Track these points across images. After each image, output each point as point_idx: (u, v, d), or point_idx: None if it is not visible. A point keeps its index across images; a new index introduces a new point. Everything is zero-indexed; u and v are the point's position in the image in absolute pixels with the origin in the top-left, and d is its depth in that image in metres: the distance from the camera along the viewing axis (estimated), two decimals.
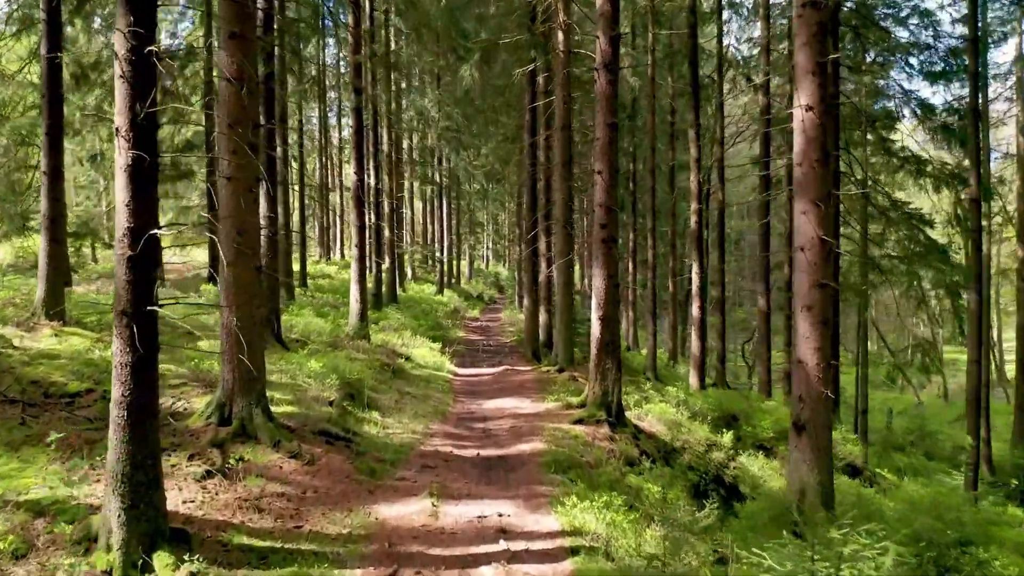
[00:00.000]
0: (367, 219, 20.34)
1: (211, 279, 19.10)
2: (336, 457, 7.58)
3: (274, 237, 13.37)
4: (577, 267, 33.19)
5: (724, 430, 12.70)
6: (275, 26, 13.58)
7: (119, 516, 4.87)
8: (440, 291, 32.64)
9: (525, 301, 20.24)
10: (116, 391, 4.89)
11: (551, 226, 18.21)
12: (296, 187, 28.32)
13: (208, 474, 6.38)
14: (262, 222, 12.61)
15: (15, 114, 17.75)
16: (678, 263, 23.94)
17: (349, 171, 24.38)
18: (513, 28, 17.60)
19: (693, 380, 17.62)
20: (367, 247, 19.47)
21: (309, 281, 25.48)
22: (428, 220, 43.43)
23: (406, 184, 34.76)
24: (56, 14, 11.59)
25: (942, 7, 20.08)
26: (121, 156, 4.86)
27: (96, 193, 23.98)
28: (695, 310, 17.96)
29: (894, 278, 16.63)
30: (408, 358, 15.83)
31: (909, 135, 17.49)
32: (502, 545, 5.73)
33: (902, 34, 17.20)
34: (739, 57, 24.45)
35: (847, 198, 17.65)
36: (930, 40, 16.37)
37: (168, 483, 6.00)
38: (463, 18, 21.11)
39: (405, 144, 34.10)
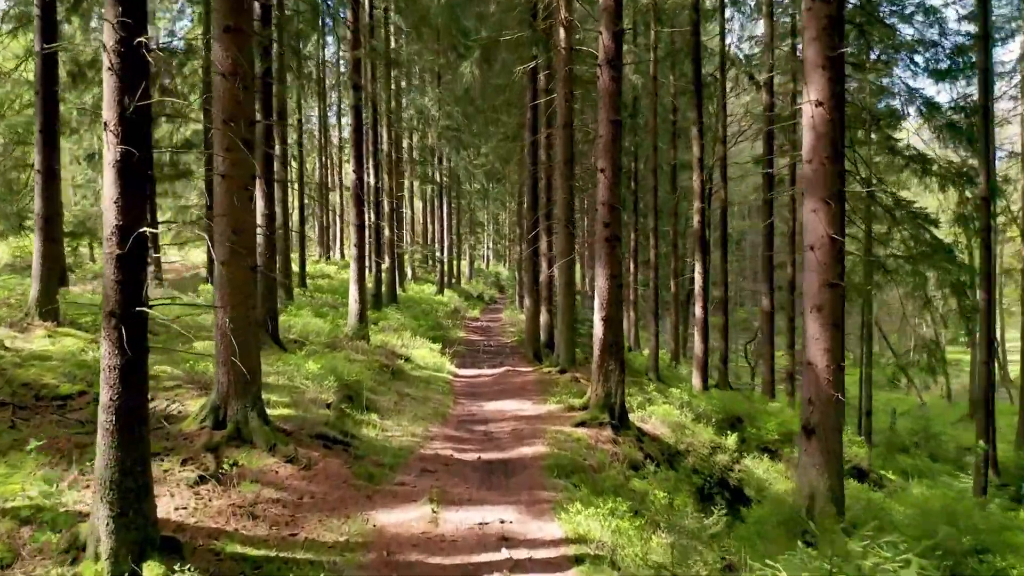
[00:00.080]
0: (367, 218, 20.17)
1: (209, 279, 18.94)
2: (334, 461, 7.40)
3: (272, 236, 13.20)
4: (578, 267, 33.00)
5: (728, 432, 12.52)
6: (273, 21, 13.38)
7: (107, 524, 4.70)
8: (440, 291, 32.46)
9: (526, 301, 20.07)
10: (104, 395, 4.72)
11: (552, 225, 18.03)
12: (296, 186, 28.15)
13: (201, 479, 6.20)
14: (259, 221, 12.45)
15: (11, 112, 17.60)
16: (680, 263, 23.76)
17: (349, 170, 24.19)
18: (514, 25, 17.43)
19: (696, 381, 17.45)
20: (366, 247, 19.30)
21: (308, 281, 25.31)
22: (428, 220, 43.26)
23: (406, 183, 34.59)
24: (51, 10, 11.41)
25: (947, 4, 19.87)
26: (110, 151, 4.69)
27: (93, 192, 23.79)
28: (698, 310, 17.78)
29: (899, 278, 16.42)
30: (408, 359, 15.65)
31: (915, 133, 17.28)
32: (504, 554, 5.55)
33: (907, 31, 16.98)
34: (741, 55, 24.29)
35: (851, 197, 17.45)
36: (936, 37, 16.16)
37: (160, 489, 5.83)
38: (463, 16, 20.95)
39: (405, 143, 33.92)
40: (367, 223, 20.37)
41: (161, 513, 5.43)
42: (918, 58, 16.79)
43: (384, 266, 25.60)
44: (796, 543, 6.31)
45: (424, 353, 16.93)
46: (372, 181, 23.30)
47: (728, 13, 22.31)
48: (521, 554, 5.58)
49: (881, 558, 3.49)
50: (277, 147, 17.69)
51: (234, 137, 7.03)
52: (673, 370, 22.16)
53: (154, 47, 18.90)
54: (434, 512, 6.41)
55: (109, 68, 4.65)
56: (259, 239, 12.03)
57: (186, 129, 22.77)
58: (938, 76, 16.15)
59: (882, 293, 21.74)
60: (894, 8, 16.63)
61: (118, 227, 4.63)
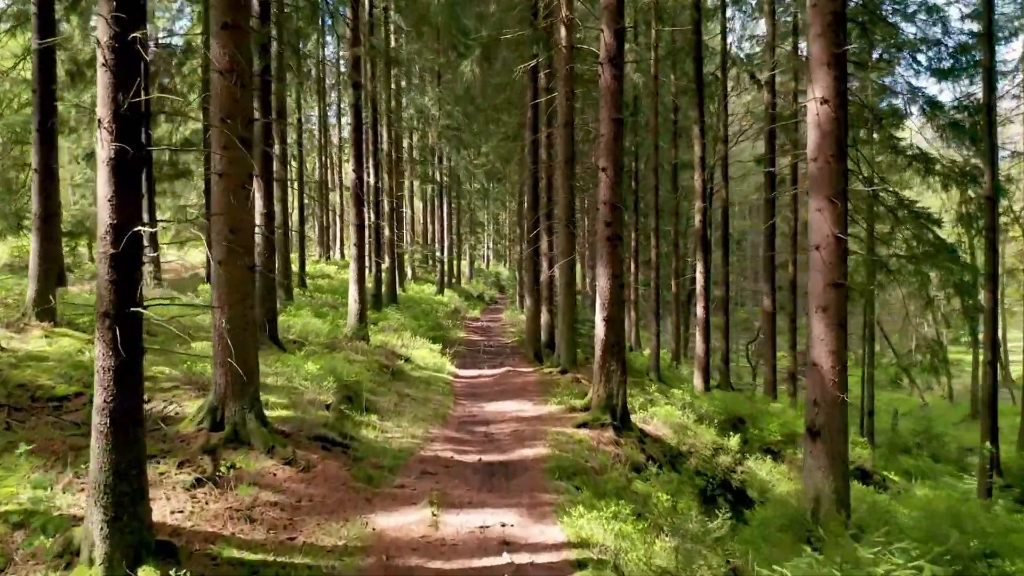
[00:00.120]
0: (366, 218, 20.08)
1: (209, 279, 18.84)
2: (332, 463, 7.31)
3: (271, 236, 13.10)
4: (578, 267, 32.92)
5: (731, 433, 12.42)
6: (271, 18, 13.28)
7: (102, 529, 4.61)
8: (440, 291, 32.37)
9: (526, 301, 19.98)
10: (98, 397, 4.63)
11: (553, 225, 17.94)
12: (295, 185, 28.06)
13: (198, 482, 6.11)
14: (258, 220, 12.37)
15: (9, 111, 17.51)
16: (681, 263, 23.67)
17: (349, 170, 24.11)
18: (514, 24, 17.35)
19: (697, 381, 17.36)
20: (366, 246, 19.21)
21: (308, 281, 25.22)
22: (428, 219, 43.17)
23: (406, 183, 34.50)
24: (48, 7, 11.32)
25: (950, 3, 19.81)
26: (103, 148, 4.60)
27: (92, 192, 23.66)
28: (699, 310, 17.68)
29: (902, 278, 16.34)
30: (408, 359, 15.55)
31: (918, 132, 17.20)
32: (505, 558, 5.47)
33: (910, 30, 16.90)
34: (742, 55, 24.20)
35: (853, 196, 17.37)
36: (938, 35, 16.09)
37: (156, 492, 5.74)
38: (463, 14, 20.87)
39: (405, 143, 33.83)
40: (367, 223, 20.28)
41: (157, 516, 5.34)
42: (921, 57, 16.74)
43: (384, 266, 25.51)
44: (801, 547, 6.23)
45: (424, 353, 16.84)
46: (372, 180, 23.21)
47: (729, 12, 22.23)
48: (523, 558, 5.49)
49: (893, 564, 3.40)
50: (276, 146, 17.59)
51: (231, 135, 6.94)
52: (674, 370, 22.07)
53: (152, 44, 18.83)
54: (434, 515, 6.32)
55: (103, 64, 4.57)
56: (258, 238, 11.95)
57: (185, 128, 22.69)
58: (941, 75, 16.08)
59: (884, 293, 21.64)
60: (896, 6, 16.55)
61: (112, 226, 4.54)
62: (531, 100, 17.93)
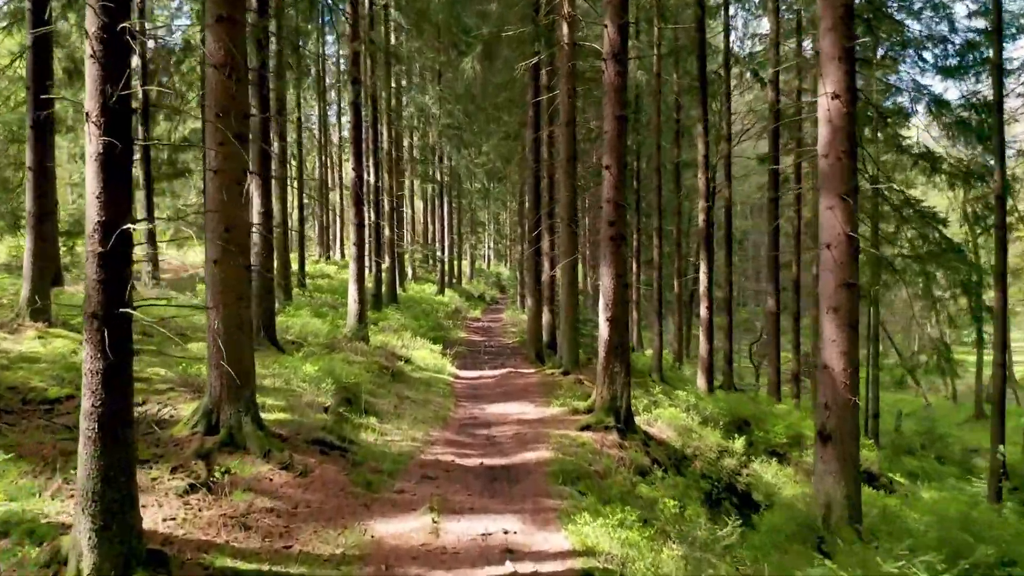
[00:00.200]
0: (366, 218, 19.91)
1: None
2: (330, 468, 7.13)
3: (269, 235, 12.91)
4: (580, 267, 32.75)
5: (735, 435, 12.25)
6: (269, 11, 13.09)
7: (89, 538, 4.44)
8: (441, 291, 32.19)
9: (528, 301, 19.80)
10: (86, 401, 4.46)
11: (554, 224, 17.77)
12: (295, 185, 27.88)
13: (191, 488, 5.93)
14: (256, 219, 12.19)
15: (5, 109, 17.34)
16: (683, 263, 23.48)
17: (349, 169, 23.94)
18: (516, 21, 17.17)
19: (701, 382, 17.19)
20: (366, 246, 19.04)
21: (308, 281, 25.03)
22: (429, 219, 42.99)
23: (406, 182, 34.31)
24: (43, 3, 11.15)
25: None
26: (91, 143, 4.42)
27: None
28: (703, 311, 17.50)
29: (908, 277, 16.15)
30: (408, 360, 15.37)
31: (924, 130, 17.01)
32: (508, 567, 5.28)
33: (915, 27, 16.70)
34: (745, 53, 24.02)
35: (858, 195, 17.19)
36: (945, 33, 15.90)
37: (147, 499, 5.57)
38: (464, 12, 20.70)
39: (405, 142, 33.65)
40: (367, 222, 20.11)
41: (148, 524, 5.17)
42: (927, 54, 16.55)
43: (384, 266, 25.33)
44: (812, 554, 6.05)
45: (424, 354, 16.66)
46: (372, 180, 23.03)
47: (732, 10, 22.05)
48: (526, 567, 5.31)
49: None
50: (276, 144, 17.41)
51: (226, 131, 6.76)
52: (676, 371, 21.89)
53: (149, 39, 18.61)
54: (435, 522, 6.14)
55: (91, 55, 4.39)
56: (255, 237, 11.77)
57: (184, 127, 22.52)
58: (947, 73, 15.90)
59: (888, 293, 21.46)
60: (902, 3, 16.36)
61: (100, 223, 4.37)
62: (532, 98, 17.75)
